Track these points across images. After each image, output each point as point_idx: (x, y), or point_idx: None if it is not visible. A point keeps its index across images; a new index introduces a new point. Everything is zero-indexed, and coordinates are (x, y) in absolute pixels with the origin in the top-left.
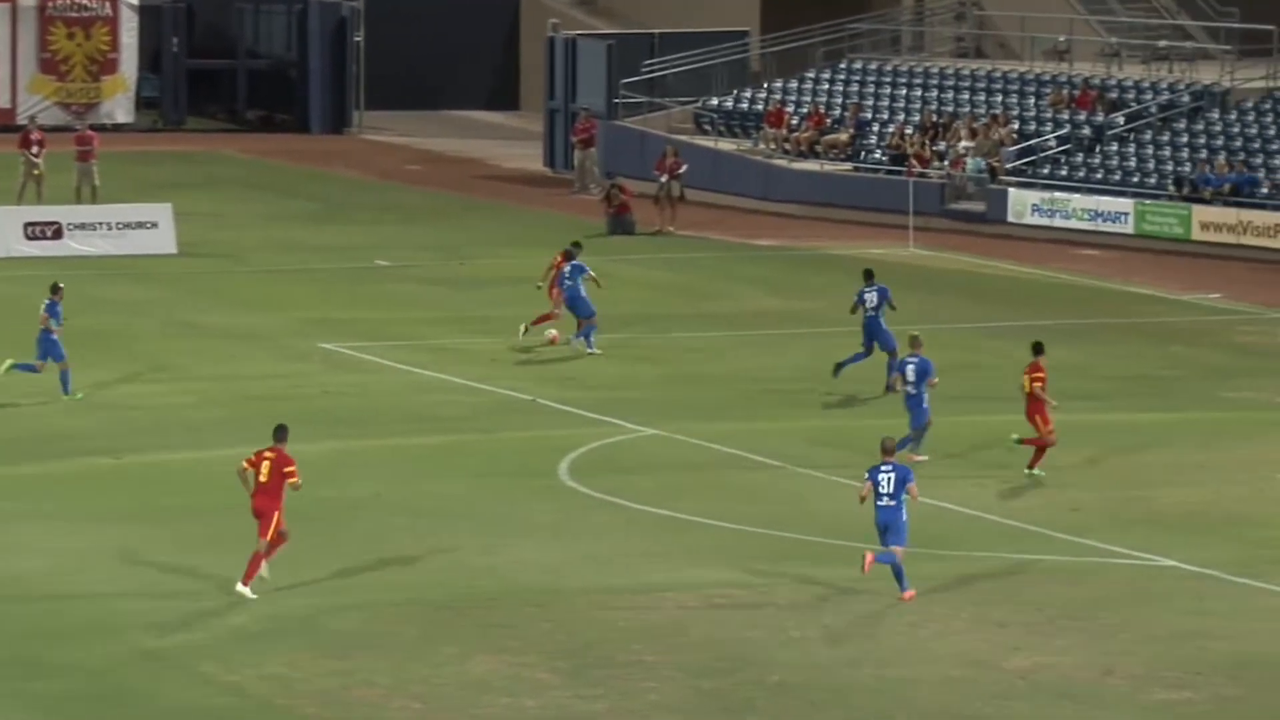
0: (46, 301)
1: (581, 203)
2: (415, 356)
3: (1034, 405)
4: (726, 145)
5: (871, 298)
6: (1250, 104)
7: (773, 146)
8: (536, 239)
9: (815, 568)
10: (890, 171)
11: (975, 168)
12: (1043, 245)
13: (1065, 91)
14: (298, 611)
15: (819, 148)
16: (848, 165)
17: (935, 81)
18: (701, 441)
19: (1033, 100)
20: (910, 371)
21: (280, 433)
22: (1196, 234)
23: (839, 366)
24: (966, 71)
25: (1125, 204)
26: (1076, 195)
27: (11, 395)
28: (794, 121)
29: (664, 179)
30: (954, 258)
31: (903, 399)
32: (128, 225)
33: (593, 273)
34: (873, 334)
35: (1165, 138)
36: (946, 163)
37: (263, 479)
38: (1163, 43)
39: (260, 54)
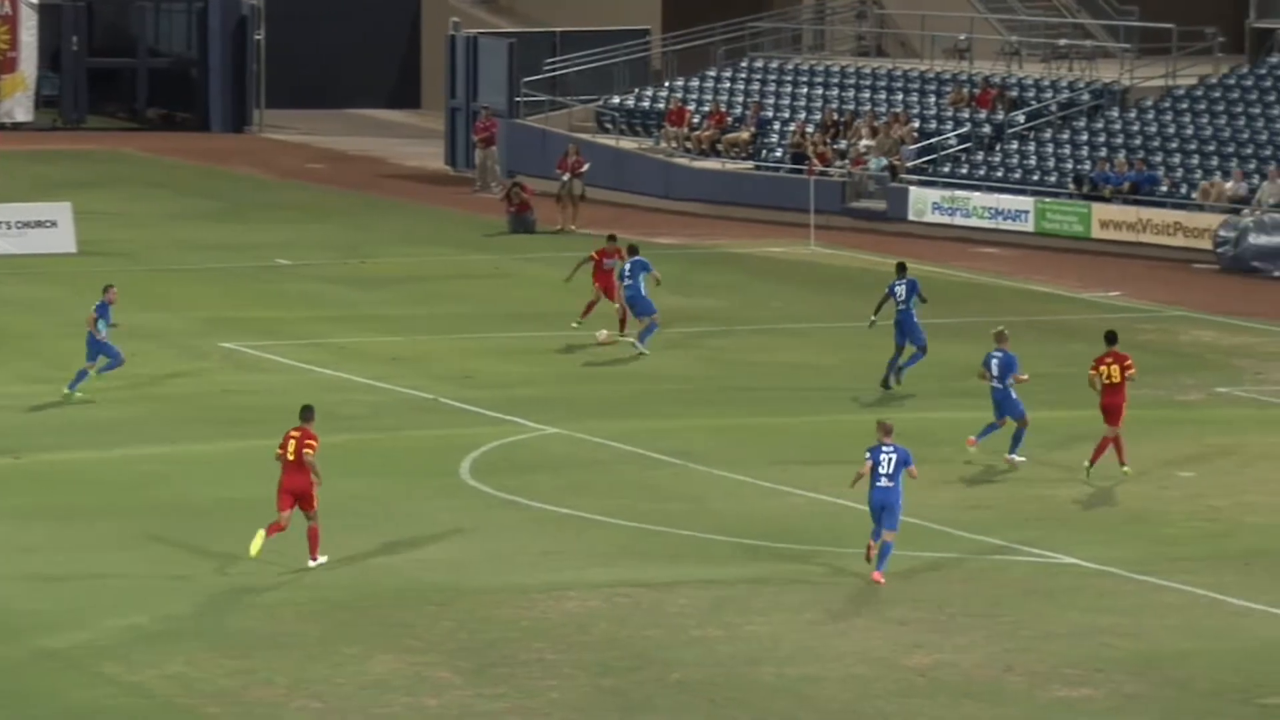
0: (98, 303)
1: (483, 201)
2: (316, 355)
3: (1118, 396)
4: (628, 144)
5: (901, 290)
6: (1149, 102)
7: (674, 145)
8: (437, 237)
9: (716, 567)
10: (791, 170)
11: (876, 166)
12: (943, 243)
13: (965, 90)
14: (199, 611)
15: (720, 146)
16: (749, 164)
17: (836, 80)
18: (602, 440)
19: (933, 99)
20: (995, 366)
21: (306, 413)
22: (1096, 232)
23: (893, 373)
24: (867, 70)
25: (1025, 202)
26: (977, 193)
27: None
28: (695, 120)
29: (566, 177)
30: (855, 256)
31: (989, 394)
32: (27, 224)
33: (656, 272)
34: (904, 329)
35: (1065, 136)
36: (847, 161)
37: (290, 457)
38: (1063, 41)
39: (161, 52)
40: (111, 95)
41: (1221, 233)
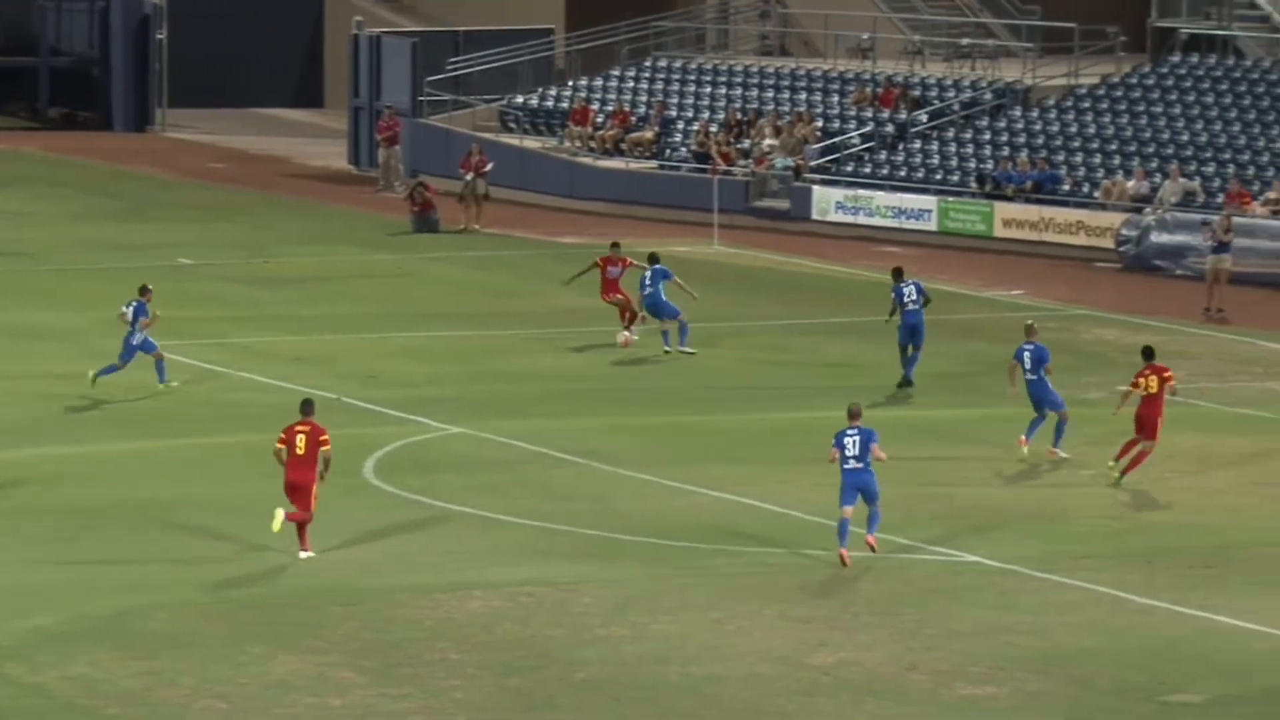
0: (135, 302)
1: (386, 201)
2: (219, 355)
3: (1155, 408)
4: (532, 143)
5: (910, 292)
6: (1052, 101)
7: (578, 144)
8: (341, 237)
9: (620, 566)
10: (695, 169)
11: (779, 166)
12: (847, 243)
13: (869, 89)
14: (102, 611)
15: (624, 146)
16: (653, 163)
17: (739, 79)
18: (507, 439)
19: (836, 98)
20: (1027, 359)
21: (307, 407)
22: (999, 231)
23: (907, 376)
24: (770, 70)
25: (928, 201)
26: (880, 193)
27: None
28: (599, 120)
29: (469, 177)
30: (758, 255)
31: (1024, 388)
32: None
33: (678, 279)
34: (915, 330)
35: (968, 135)
36: (751, 161)
37: (300, 451)
38: (965, 41)
39: (62, 52)
40: (13, 95)
41: (1123, 231)
